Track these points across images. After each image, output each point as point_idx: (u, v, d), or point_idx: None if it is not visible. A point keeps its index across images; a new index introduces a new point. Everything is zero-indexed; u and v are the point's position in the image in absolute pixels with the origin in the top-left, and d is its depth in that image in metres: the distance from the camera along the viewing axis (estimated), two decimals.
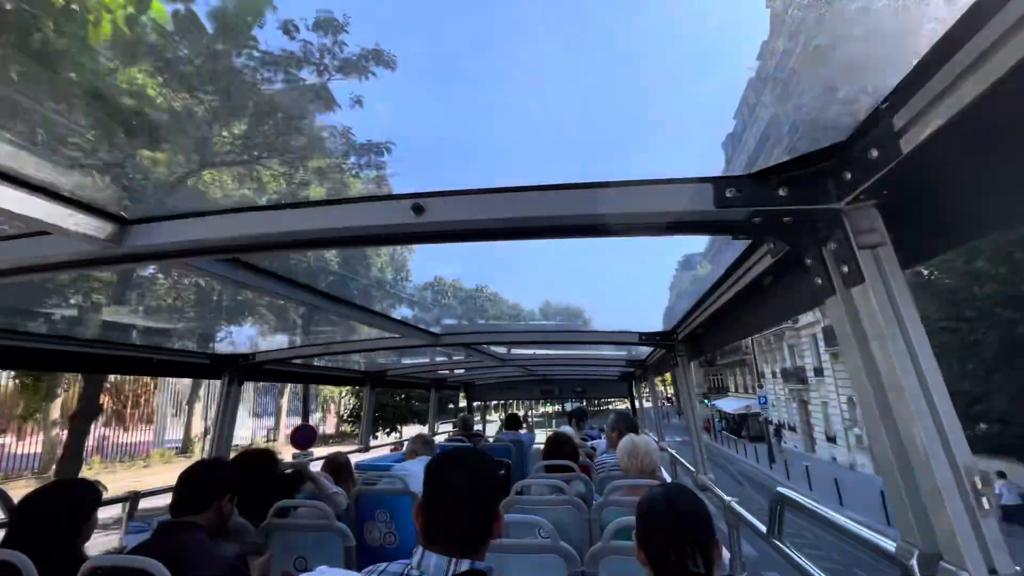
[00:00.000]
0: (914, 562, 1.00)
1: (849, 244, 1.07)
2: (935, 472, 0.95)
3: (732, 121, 1.24)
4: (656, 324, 3.67)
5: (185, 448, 25.71)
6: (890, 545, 1.13)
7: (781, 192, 1.10)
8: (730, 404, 41.08)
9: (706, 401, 46.71)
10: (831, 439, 26.41)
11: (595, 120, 1.31)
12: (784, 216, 1.12)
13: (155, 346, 3.50)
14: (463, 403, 9.92)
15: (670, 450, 4.87)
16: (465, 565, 1.11)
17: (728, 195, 1.12)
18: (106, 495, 2.17)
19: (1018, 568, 0.89)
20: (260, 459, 2.77)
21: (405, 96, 1.24)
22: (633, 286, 3.05)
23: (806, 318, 26.51)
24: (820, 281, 1.20)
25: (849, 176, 1.01)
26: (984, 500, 0.92)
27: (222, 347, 3.91)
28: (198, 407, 27.32)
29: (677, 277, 2.70)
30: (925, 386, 0.99)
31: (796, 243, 1.22)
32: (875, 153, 0.91)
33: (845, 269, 1.09)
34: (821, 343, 26.66)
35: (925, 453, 0.97)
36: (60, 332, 2.80)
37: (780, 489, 1.82)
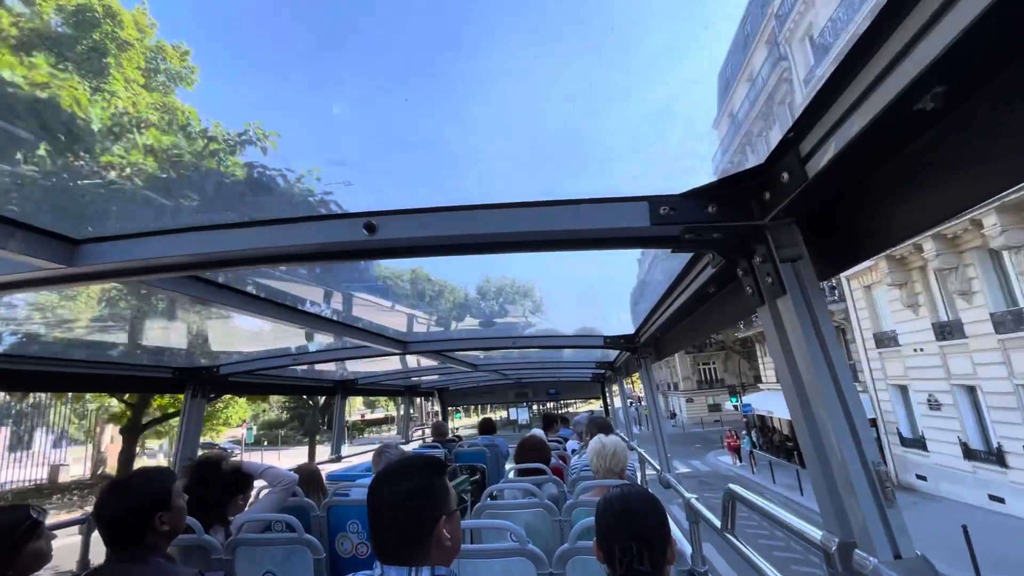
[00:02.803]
0: (834, 550, 1.09)
1: (772, 258, 1.16)
2: (848, 468, 1.04)
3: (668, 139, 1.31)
4: (625, 327, 3.77)
5: None
6: (817, 535, 1.21)
7: (710, 210, 1.18)
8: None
9: (733, 400, 27.91)
10: None
11: (543, 140, 1.37)
12: (714, 232, 1.20)
13: (113, 361, 3.41)
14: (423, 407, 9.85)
15: (639, 450, 4.99)
16: (426, 573, 1.13)
17: (662, 212, 1.20)
18: (58, 519, 2.06)
19: (918, 552, 0.98)
20: (206, 466, 2.73)
21: (355, 119, 1.27)
22: (598, 291, 3.13)
23: None
24: (751, 291, 1.29)
25: (768, 196, 1.09)
26: (890, 492, 1.01)
27: (185, 360, 3.83)
28: None
29: (636, 283, 2.80)
30: (839, 389, 1.08)
31: (728, 256, 1.30)
32: (786, 176, 0.99)
33: (769, 280, 1.18)
34: None
35: (840, 450, 1.05)
36: (7, 351, 2.70)
37: (731, 486, 1.91)
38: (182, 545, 2.54)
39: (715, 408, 39.34)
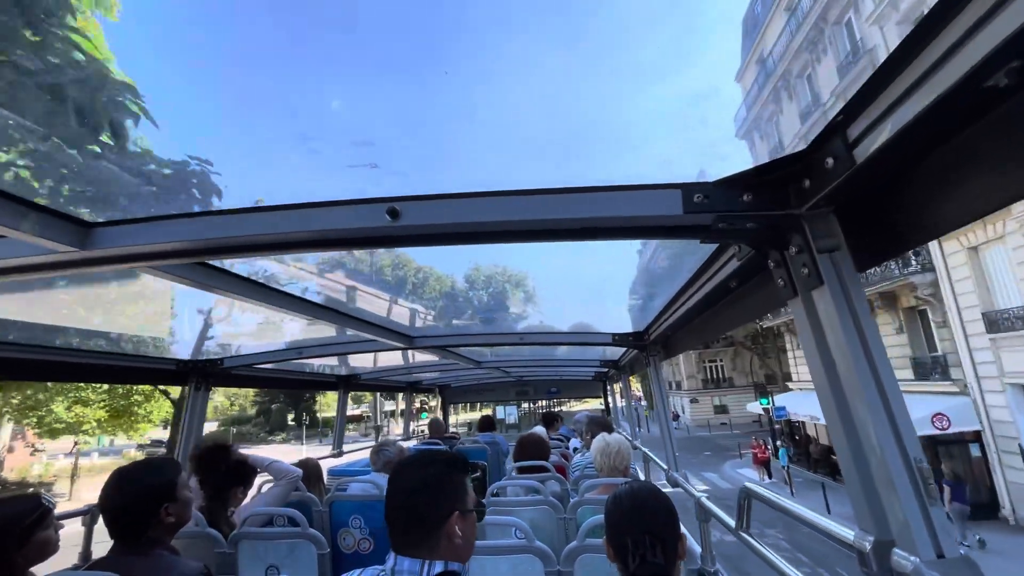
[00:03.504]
0: (869, 549, 1.06)
1: (809, 248, 1.13)
2: (888, 464, 1.01)
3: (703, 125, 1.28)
4: (626, 324, 3.74)
5: None
6: (848, 534, 1.18)
7: (746, 198, 1.15)
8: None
9: (763, 402, 21.72)
10: None
11: (569, 125, 1.34)
12: (748, 221, 1.17)
13: (116, 352, 3.37)
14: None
15: (644, 449, 4.97)
16: (439, 567, 1.12)
17: (696, 200, 1.16)
18: (61, 508, 2.03)
19: (962, 551, 0.95)
20: (215, 451, 2.70)
21: (380, 100, 1.24)
22: (605, 287, 3.10)
23: None
24: (782, 283, 1.26)
25: (808, 184, 1.06)
26: (932, 489, 0.98)
27: (189, 352, 3.79)
28: None
29: (647, 278, 2.76)
30: (879, 383, 1.05)
31: (760, 247, 1.27)
32: (831, 162, 0.96)
33: (805, 272, 1.15)
34: None
35: (879, 447, 1.02)
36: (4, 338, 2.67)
37: (747, 484, 1.88)
38: (185, 538, 2.51)
39: (722, 410, 36.58)
